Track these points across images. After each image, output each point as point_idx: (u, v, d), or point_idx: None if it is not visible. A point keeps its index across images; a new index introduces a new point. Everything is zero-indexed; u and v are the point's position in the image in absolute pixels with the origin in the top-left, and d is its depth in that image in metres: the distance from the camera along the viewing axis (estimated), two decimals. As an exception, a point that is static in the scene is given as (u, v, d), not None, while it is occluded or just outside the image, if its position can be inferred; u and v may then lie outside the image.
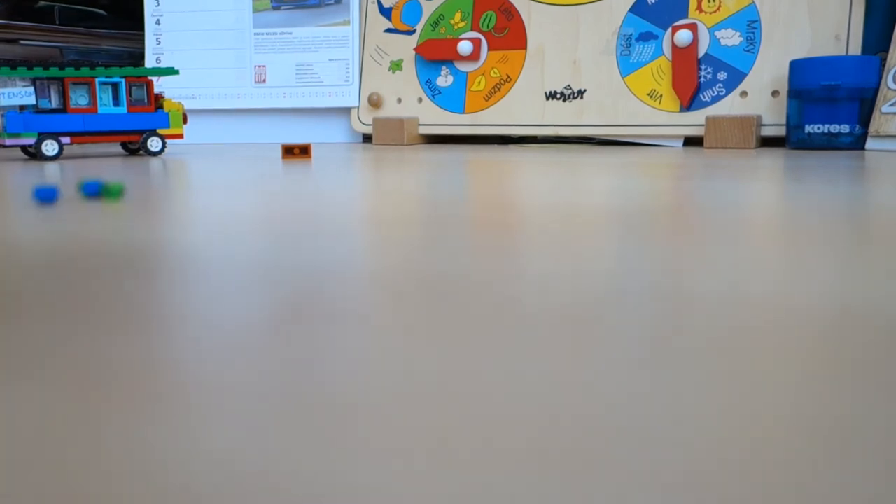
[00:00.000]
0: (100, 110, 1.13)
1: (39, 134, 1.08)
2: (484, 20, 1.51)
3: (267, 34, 1.67)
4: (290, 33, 1.65)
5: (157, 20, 1.71)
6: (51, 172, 0.85)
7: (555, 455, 0.13)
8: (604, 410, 0.15)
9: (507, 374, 0.17)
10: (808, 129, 1.19)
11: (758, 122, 1.26)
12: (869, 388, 0.16)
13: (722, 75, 1.32)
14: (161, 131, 1.19)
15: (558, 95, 1.44)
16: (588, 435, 0.14)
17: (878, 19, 1.29)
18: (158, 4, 1.70)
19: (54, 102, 1.11)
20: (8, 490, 0.12)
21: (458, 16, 1.54)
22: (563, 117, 1.43)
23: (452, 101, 1.53)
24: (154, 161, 1.07)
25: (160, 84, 1.69)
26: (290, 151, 1.08)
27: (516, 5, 1.48)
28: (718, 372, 0.17)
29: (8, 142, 1.07)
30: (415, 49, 1.56)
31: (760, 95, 1.29)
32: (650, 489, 0.12)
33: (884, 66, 1.19)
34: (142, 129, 1.17)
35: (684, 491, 0.12)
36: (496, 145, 1.45)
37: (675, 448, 0.13)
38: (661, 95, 1.36)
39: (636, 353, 0.18)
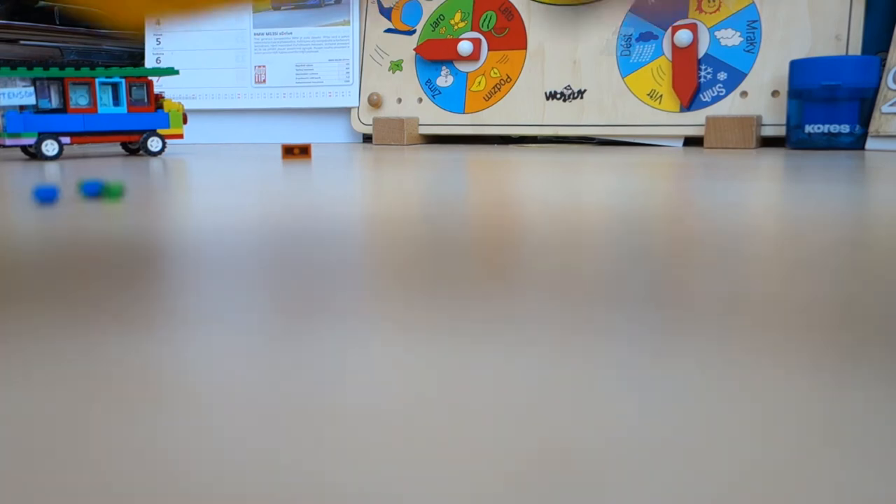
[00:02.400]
0: (100, 110, 1.13)
1: (39, 134, 1.08)
2: (484, 20, 1.51)
3: (267, 34, 1.67)
4: (290, 33, 1.65)
5: (158, 20, 1.70)
6: (51, 172, 0.85)
7: (551, 466, 0.13)
8: (600, 418, 0.15)
9: (503, 377, 0.17)
10: (809, 129, 1.19)
11: (758, 122, 1.26)
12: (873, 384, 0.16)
13: (722, 75, 1.32)
14: (161, 131, 1.19)
15: (558, 95, 1.44)
16: (586, 442, 0.14)
17: (878, 19, 1.29)
18: (158, 4, 1.70)
19: (54, 102, 1.11)
20: (10, 489, 0.12)
21: (458, 16, 1.54)
22: (563, 117, 1.43)
23: (452, 101, 1.53)
24: (154, 161, 1.07)
25: (160, 84, 1.69)
26: (290, 151, 1.08)
27: (516, 5, 1.48)
28: (723, 375, 0.17)
29: (8, 142, 1.07)
30: (415, 49, 1.56)
31: (760, 95, 1.29)
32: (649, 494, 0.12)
33: (884, 66, 1.19)
34: (142, 129, 1.17)
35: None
36: (496, 145, 1.45)
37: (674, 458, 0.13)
38: (661, 95, 1.36)
39: (634, 355, 0.18)
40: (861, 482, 0.12)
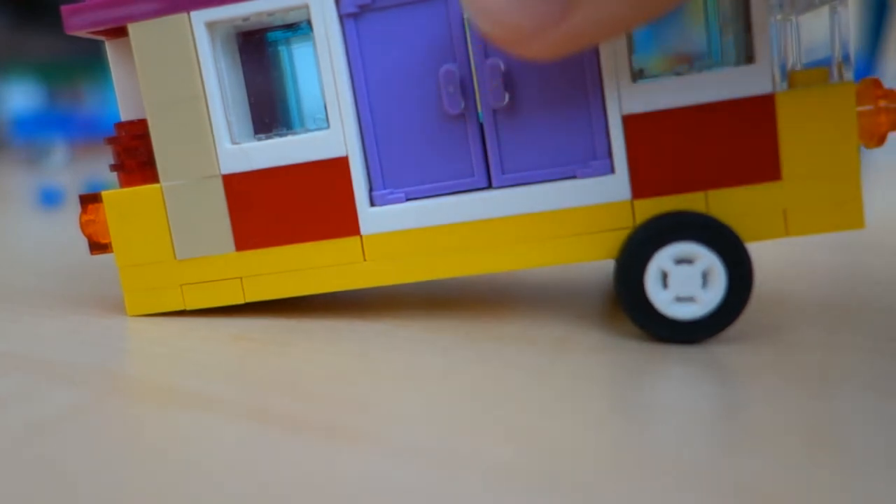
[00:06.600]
0: (110, 112, 1.13)
1: (45, 135, 1.09)
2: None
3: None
4: (294, 34, 1.65)
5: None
6: (57, 174, 0.85)
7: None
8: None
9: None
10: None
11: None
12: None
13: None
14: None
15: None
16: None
17: (872, 24, 1.28)
18: (164, 6, 1.69)
19: (63, 104, 1.11)
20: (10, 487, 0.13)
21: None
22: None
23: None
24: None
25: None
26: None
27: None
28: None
29: (16, 143, 1.08)
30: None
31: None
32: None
33: (882, 67, 1.18)
34: (147, 130, 1.17)
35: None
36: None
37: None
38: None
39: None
40: None
